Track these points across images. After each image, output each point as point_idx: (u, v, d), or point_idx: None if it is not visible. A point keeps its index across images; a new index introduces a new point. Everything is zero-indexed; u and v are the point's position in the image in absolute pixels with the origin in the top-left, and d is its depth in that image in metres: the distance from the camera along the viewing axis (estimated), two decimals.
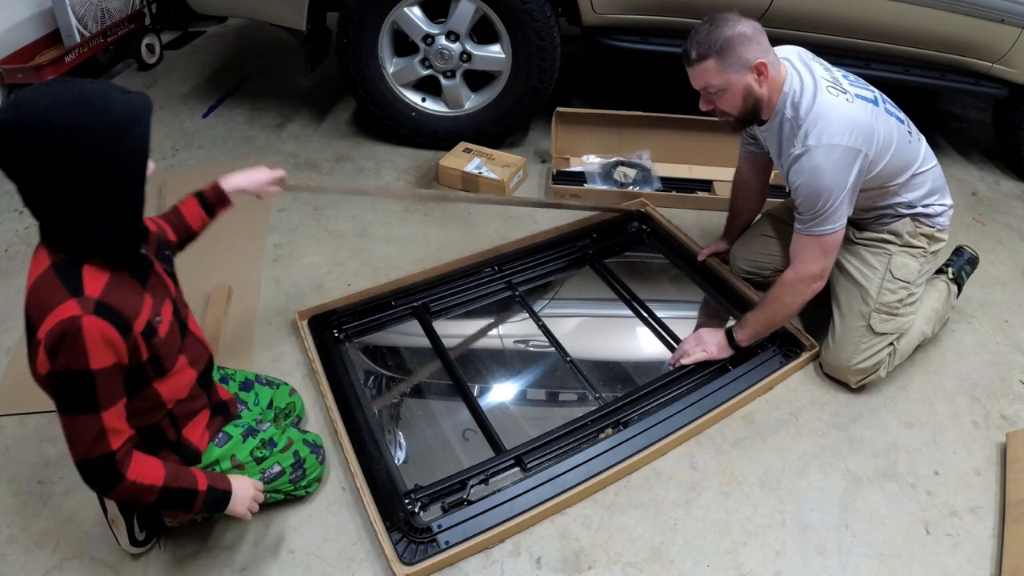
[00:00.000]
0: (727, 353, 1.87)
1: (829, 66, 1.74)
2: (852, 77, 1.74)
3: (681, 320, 2.13)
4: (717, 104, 1.70)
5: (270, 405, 1.65)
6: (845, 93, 1.64)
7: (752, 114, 1.71)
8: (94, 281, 1.08)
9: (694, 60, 1.64)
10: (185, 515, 1.29)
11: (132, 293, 1.14)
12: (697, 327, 2.12)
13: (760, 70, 1.62)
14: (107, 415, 1.11)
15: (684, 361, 1.87)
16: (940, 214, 1.83)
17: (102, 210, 1.06)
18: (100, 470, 1.13)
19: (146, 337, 1.15)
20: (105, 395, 1.10)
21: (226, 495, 1.32)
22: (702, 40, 1.62)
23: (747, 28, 1.61)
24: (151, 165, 1.11)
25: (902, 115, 1.77)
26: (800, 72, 1.67)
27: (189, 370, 1.32)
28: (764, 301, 1.82)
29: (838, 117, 1.60)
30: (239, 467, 1.43)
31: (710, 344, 1.87)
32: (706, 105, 1.73)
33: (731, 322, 1.94)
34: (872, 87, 1.74)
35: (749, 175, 2.08)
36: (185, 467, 1.29)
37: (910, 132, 1.76)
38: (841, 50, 2.60)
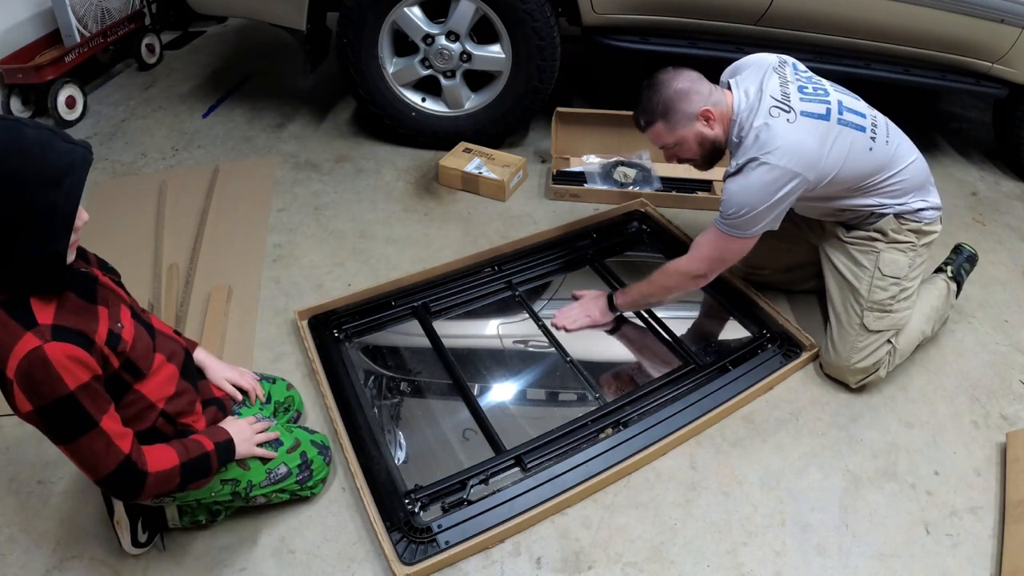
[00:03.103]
0: (609, 317, 2.03)
1: (789, 77, 1.70)
2: (811, 88, 1.69)
3: (681, 320, 2.13)
4: (679, 155, 1.81)
5: (268, 399, 1.65)
6: (788, 112, 1.62)
7: (714, 152, 1.78)
8: (44, 310, 1.08)
9: (644, 127, 1.78)
10: (208, 479, 1.33)
11: (84, 311, 1.13)
12: (696, 329, 2.12)
13: (707, 116, 1.70)
14: (105, 423, 1.12)
15: (569, 327, 2.02)
16: (922, 210, 1.80)
17: (22, 256, 1.02)
18: (123, 477, 1.15)
19: (112, 346, 1.15)
20: (95, 407, 1.11)
21: (230, 443, 1.36)
22: (645, 107, 1.75)
23: (682, 83, 1.71)
24: (83, 215, 1.09)
25: (866, 121, 1.71)
26: (749, 94, 1.69)
27: (169, 365, 1.32)
28: (651, 277, 1.91)
29: (775, 139, 1.60)
30: (244, 467, 1.44)
31: (593, 310, 2.03)
32: (670, 158, 1.85)
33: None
34: (829, 96, 1.69)
35: None
36: (187, 438, 1.30)
37: (873, 138, 1.70)
38: (841, 50, 2.60)
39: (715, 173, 2.71)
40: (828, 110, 1.66)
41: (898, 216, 1.80)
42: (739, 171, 1.66)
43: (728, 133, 1.73)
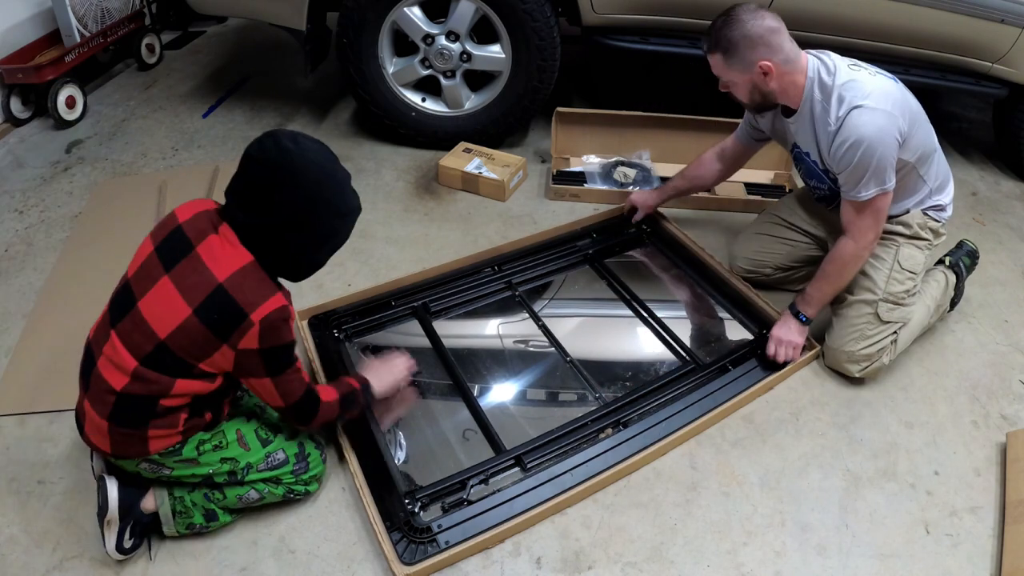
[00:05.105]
0: (806, 333, 1.92)
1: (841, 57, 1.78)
2: (865, 64, 1.77)
3: (681, 320, 2.13)
4: (731, 90, 1.80)
5: None
6: (866, 69, 1.71)
7: (764, 103, 1.79)
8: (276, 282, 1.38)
9: (705, 51, 1.75)
10: (356, 412, 1.60)
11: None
12: (696, 328, 2.13)
13: (765, 71, 1.68)
14: (297, 364, 1.40)
15: (793, 357, 1.90)
16: (944, 208, 1.88)
17: (305, 255, 1.37)
18: (306, 402, 1.43)
19: None
20: (293, 353, 1.39)
21: (367, 385, 1.61)
22: (713, 35, 1.71)
23: (757, 29, 1.66)
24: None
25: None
26: (821, 57, 1.74)
27: None
28: (825, 274, 1.83)
29: (866, 86, 1.66)
30: (245, 447, 1.46)
31: (794, 336, 1.89)
32: (723, 87, 1.81)
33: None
34: (884, 71, 1.77)
35: (730, 153, 2.12)
36: (337, 379, 1.58)
37: (924, 111, 1.79)
38: (841, 50, 2.56)
39: None
40: (893, 78, 1.74)
41: (925, 211, 1.85)
42: (843, 124, 1.65)
43: (803, 93, 1.73)
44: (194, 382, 1.32)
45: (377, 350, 1.97)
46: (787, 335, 1.90)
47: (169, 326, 1.28)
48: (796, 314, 1.89)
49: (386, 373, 1.68)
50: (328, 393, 1.49)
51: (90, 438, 1.38)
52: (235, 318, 1.27)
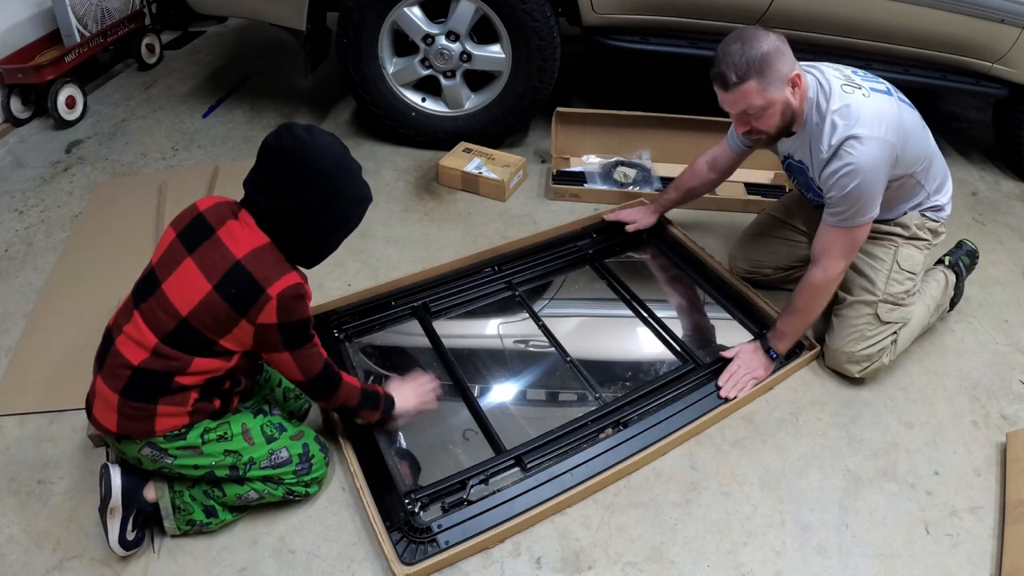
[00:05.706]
0: (772, 368, 1.87)
1: (837, 66, 1.75)
2: (862, 73, 1.75)
3: (681, 320, 2.13)
4: (755, 124, 1.68)
5: (279, 384, 1.70)
6: (860, 89, 1.66)
7: (786, 128, 1.71)
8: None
9: (734, 83, 1.59)
10: (374, 414, 1.60)
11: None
12: (696, 329, 2.13)
13: (795, 82, 1.63)
14: (315, 340, 1.45)
15: (741, 394, 1.81)
16: (943, 208, 1.87)
17: (315, 241, 1.39)
18: (326, 377, 1.47)
19: None
20: (311, 329, 1.43)
21: (392, 400, 1.63)
22: (739, 62, 1.57)
23: (777, 41, 1.59)
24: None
25: (912, 105, 1.78)
26: (816, 76, 1.69)
27: None
28: (795, 308, 1.80)
29: (860, 111, 1.61)
30: (249, 440, 1.46)
31: (757, 369, 1.85)
32: (743, 127, 1.71)
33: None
34: (880, 80, 1.75)
35: (723, 163, 2.10)
36: (365, 382, 1.61)
37: (921, 118, 1.77)
38: (841, 50, 2.60)
39: None
40: (888, 88, 1.71)
41: (923, 212, 1.84)
42: (835, 153, 1.62)
43: (804, 113, 1.68)
44: (211, 360, 1.36)
45: (395, 359, 1.97)
46: (751, 362, 1.85)
47: (191, 303, 1.31)
48: (767, 349, 1.86)
49: (411, 394, 1.69)
50: (350, 380, 1.54)
51: (97, 417, 1.38)
52: (252, 292, 1.31)
